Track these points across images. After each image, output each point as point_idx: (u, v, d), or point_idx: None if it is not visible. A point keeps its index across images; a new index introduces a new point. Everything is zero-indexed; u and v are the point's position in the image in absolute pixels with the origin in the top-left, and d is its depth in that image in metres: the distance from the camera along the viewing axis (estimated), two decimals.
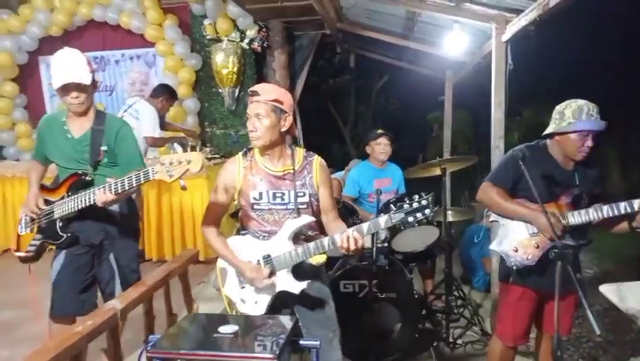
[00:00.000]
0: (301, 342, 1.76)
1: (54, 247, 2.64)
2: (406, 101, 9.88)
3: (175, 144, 2.06)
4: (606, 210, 2.24)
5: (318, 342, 1.75)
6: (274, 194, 2.12)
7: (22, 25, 5.98)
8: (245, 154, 2.20)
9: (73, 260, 2.59)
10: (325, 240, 2.04)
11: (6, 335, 3.32)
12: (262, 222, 2.15)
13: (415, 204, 1.99)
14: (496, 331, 2.67)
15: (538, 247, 2.36)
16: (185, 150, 2.05)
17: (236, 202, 2.21)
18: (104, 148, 2.55)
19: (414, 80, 7.83)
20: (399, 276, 3.51)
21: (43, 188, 2.64)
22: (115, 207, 2.58)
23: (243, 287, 2.15)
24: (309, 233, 2.20)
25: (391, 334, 3.30)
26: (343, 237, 1.98)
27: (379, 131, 4.04)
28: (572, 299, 2.39)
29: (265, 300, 2.11)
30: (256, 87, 2.11)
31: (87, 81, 2.42)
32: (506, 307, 2.55)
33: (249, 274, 2.07)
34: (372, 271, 3.32)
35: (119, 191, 2.26)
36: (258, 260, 2.10)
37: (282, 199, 2.12)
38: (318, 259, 2.14)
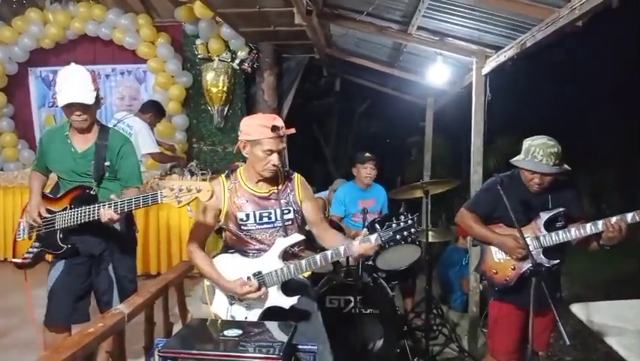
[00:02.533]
0: (300, 346, 1.88)
1: (51, 256, 2.69)
2: (386, 125, 10.17)
3: (186, 171, 2.19)
4: (574, 232, 2.44)
5: (315, 347, 1.89)
6: (261, 214, 2.23)
7: (14, 36, 6.02)
8: (227, 176, 2.30)
9: (71, 269, 2.64)
10: (317, 257, 2.15)
11: None
12: (250, 240, 2.24)
13: (402, 224, 2.12)
14: (488, 348, 2.86)
15: (514, 268, 2.57)
16: (193, 178, 2.17)
17: (221, 223, 2.29)
18: (107, 163, 2.62)
19: (396, 106, 8.10)
20: (382, 293, 3.66)
21: (44, 197, 2.68)
22: (115, 224, 2.60)
23: (232, 303, 2.22)
24: (296, 249, 2.31)
25: (374, 349, 3.44)
26: (336, 252, 2.13)
27: (367, 155, 4.16)
28: (550, 317, 2.52)
29: (255, 315, 2.19)
30: (276, 122, 2.14)
31: (90, 101, 2.49)
32: (494, 324, 2.74)
33: (240, 290, 2.12)
34: (357, 288, 3.47)
35: (125, 210, 2.34)
36: (249, 277, 2.16)
37: (269, 218, 2.23)
38: (304, 273, 2.26)
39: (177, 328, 2.74)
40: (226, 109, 6.20)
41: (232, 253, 2.29)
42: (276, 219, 2.24)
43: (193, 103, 6.25)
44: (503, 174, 2.63)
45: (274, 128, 2.11)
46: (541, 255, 2.50)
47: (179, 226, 4.88)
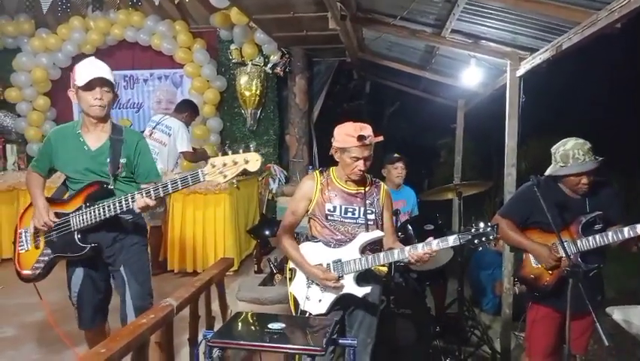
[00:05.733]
0: (340, 341, 1.95)
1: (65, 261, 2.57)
2: (415, 127, 10.17)
3: (226, 147, 2.25)
4: (611, 236, 2.44)
5: (355, 341, 1.95)
6: (346, 209, 2.43)
7: (58, 43, 6.30)
8: (322, 172, 2.52)
9: (91, 275, 2.57)
10: (395, 251, 2.31)
11: (42, 335, 3.48)
12: (334, 231, 2.43)
13: (482, 230, 2.24)
14: (526, 350, 2.89)
15: (553, 273, 2.58)
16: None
17: (309, 212, 2.49)
18: (123, 161, 2.51)
19: (425, 107, 8.10)
20: (415, 293, 3.71)
21: (50, 201, 2.53)
22: (129, 217, 2.55)
23: (309, 287, 2.41)
24: (374, 247, 2.48)
25: (407, 349, 3.47)
26: (414, 251, 2.25)
27: (396, 155, 4.21)
28: (589, 320, 2.48)
29: (329, 300, 2.36)
30: (363, 132, 2.31)
31: (112, 79, 2.43)
32: (532, 326, 2.76)
33: (322, 275, 2.32)
34: (390, 288, 3.52)
35: (161, 195, 2.28)
36: (328, 264, 2.36)
37: (353, 214, 2.43)
38: (381, 269, 2.45)
39: (217, 322, 2.84)
40: (259, 112, 6.35)
41: (316, 241, 2.47)
42: (359, 216, 2.43)
43: (227, 106, 6.43)
44: (539, 177, 2.64)
45: (360, 138, 2.29)
46: (579, 259, 2.50)
47: (215, 224, 5.00)
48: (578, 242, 2.51)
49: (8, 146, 6.30)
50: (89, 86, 2.38)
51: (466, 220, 7.83)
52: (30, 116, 6.53)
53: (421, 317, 3.55)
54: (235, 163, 2.14)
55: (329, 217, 2.43)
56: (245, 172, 2.22)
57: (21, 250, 2.55)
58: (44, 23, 6.36)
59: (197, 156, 5.11)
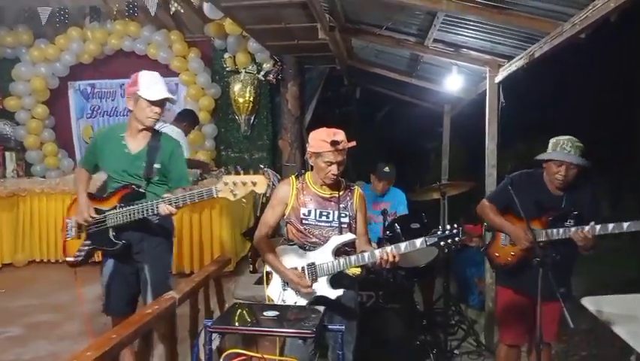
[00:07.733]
0: (329, 326, 2.12)
1: (101, 253, 2.87)
2: (405, 131, 10.35)
3: (238, 167, 2.41)
4: (573, 231, 2.64)
5: (343, 327, 2.11)
6: (321, 213, 2.53)
7: (57, 53, 6.48)
8: (297, 177, 2.61)
9: (120, 268, 2.80)
10: (366, 254, 2.41)
11: (48, 333, 3.65)
12: (309, 234, 2.53)
13: (447, 232, 2.36)
14: (499, 337, 3.07)
15: (514, 255, 2.81)
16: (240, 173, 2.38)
17: (285, 216, 2.59)
18: (157, 166, 2.74)
19: (414, 112, 8.30)
20: (402, 289, 3.89)
21: (91, 197, 2.82)
22: (155, 219, 2.73)
23: (285, 289, 2.52)
24: (348, 249, 2.57)
25: (394, 342, 3.65)
26: (382, 253, 2.37)
27: (386, 169, 4.28)
28: (557, 309, 2.64)
29: (304, 302, 2.48)
30: (335, 137, 2.40)
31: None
32: (500, 309, 2.97)
33: (295, 279, 2.43)
34: (379, 284, 3.70)
35: (180, 205, 2.53)
36: (303, 267, 2.47)
37: (327, 218, 2.52)
38: (354, 271, 2.54)
39: (215, 316, 3.00)
40: (252, 118, 6.56)
41: (292, 245, 2.58)
42: (333, 220, 2.52)
43: (221, 113, 6.62)
44: (522, 172, 2.86)
45: (333, 143, 2.38)
46: (549, 248, 2.69)
47: (211, 227, 5.18)
48: (544, 231, 2.72)
49: (7, 153, 6.47)
50: (156, 102, 2.67)
51: (452, 218, 8.06)
52: (29, 124, 6.68)
53: (409, 311, 3.73)
54: (244, 184, 2.31)
55: (304, 221, 2.51)
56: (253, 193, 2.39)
57: (68, 237, 2.84)
58: (43, 34, 6.53)
59: (192, 163, 5.29)
